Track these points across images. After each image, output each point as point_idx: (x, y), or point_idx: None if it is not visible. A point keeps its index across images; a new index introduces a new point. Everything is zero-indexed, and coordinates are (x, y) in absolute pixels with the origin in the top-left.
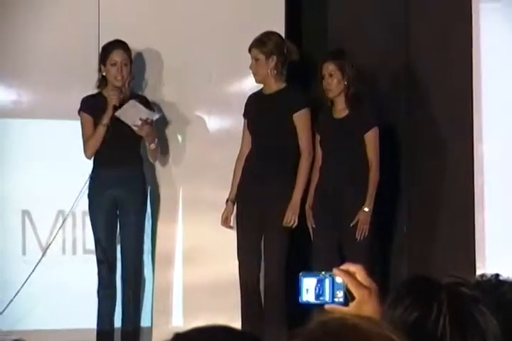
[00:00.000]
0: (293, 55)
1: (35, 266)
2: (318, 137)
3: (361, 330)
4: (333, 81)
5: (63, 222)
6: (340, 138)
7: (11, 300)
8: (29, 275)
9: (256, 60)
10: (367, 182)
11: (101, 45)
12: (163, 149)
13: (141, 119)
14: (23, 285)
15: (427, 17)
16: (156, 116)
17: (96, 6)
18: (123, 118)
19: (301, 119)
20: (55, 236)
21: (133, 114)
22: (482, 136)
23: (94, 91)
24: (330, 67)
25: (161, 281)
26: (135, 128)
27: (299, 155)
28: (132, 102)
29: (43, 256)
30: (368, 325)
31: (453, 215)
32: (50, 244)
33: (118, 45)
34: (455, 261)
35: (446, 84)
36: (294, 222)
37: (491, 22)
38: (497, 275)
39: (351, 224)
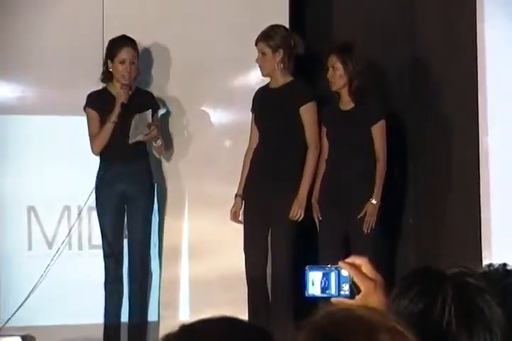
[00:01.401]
0: (299, 48)
1: (47, 268)
2: (324, 129)
3: (367, 321)
4: (336, 74)
5: (77, 218)
6: (347, 130)
7: (25, 300)
8: (42, 276)
9: (263, 53)
10: (374, 175)
11: (105, 40)
12: (169, 144)
13: (147, 126)
14: (36, 285)
15: (434, 8)
16: (160, 112)
17: (100, 0)
18: (134, 136)
19: (307, 113)
20: (68, 233)
21: (141, 129)
22: (487, 129)
23: (99, 86)
24: (333, 60)
25: (168, 275)
26: (145, 138)
27: (305, 149)
28: (139, 118)
29: (55, 254)
30: (374, 316)
31: (459, 207)
32: (63, 242)
33: (128, 42)
34: (461, 253)
35: (452, 76)
36: (300, 216)
37: (497, 13)
38: (504, 264)
39: (358, 216)
